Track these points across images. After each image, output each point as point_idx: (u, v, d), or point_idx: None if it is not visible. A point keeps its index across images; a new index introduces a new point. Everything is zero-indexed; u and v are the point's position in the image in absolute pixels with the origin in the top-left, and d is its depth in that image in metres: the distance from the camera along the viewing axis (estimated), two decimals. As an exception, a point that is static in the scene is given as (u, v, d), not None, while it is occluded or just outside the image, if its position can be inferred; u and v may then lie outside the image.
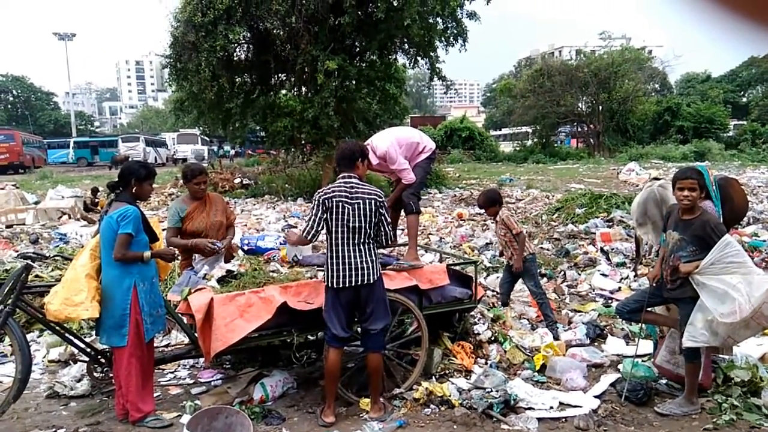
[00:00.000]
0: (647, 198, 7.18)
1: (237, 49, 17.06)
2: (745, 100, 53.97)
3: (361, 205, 3.75)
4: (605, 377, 4.43)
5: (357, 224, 3.74)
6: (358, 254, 3.74)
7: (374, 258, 3.82)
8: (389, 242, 4.06)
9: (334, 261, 3.75)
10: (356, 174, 3.90)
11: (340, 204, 3.74)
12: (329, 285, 3.78)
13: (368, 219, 3.76)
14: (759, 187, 16.85)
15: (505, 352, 4.90)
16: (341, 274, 3.72)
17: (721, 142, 38.19)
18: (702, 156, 32.75)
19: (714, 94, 48.23)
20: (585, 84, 37.72)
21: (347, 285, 3.72)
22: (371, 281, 3.76)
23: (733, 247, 3.60)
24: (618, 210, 11.13)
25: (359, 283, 3.72)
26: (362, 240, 3.76)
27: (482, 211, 6.09)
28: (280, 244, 4.91)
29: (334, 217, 3.74)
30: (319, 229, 3.80)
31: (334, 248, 3.77)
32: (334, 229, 3.76)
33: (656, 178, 8.44)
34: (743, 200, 7.69)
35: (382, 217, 3.84)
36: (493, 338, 5.07)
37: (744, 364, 4.28)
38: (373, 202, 3.79)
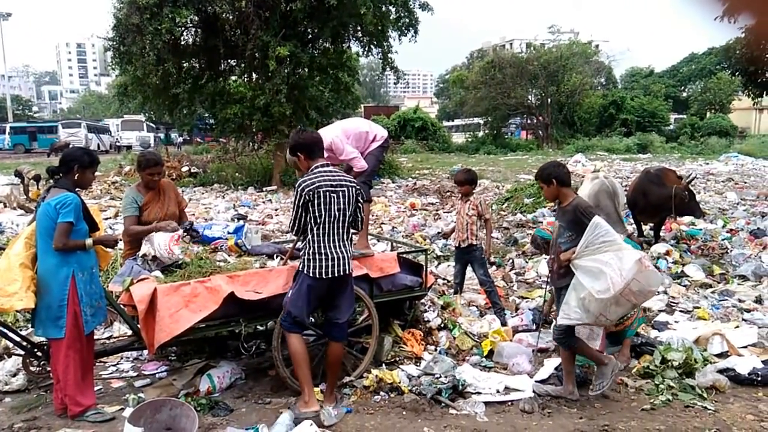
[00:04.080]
0: (599, 190, 7.39)
1: (184, 33, 16.60)
2: (685, 94, 56.16)
3: (345, 193, 3.72)
4: (549, 362, 4.54)
5: (340, 213, 3.70)
6: (339, 244, 3.72)
7: (350, 248, 3.82)
8: (360, 228, 4.06)
9: (318, 251, 3.67)
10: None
11: (327, 193, 3.66)
12: (309, 274, 3.68)
13: (350, 207, 3.75)
14: (697, 178, 17.61)
15: (455, 338, 4.97)
16: (323, 264, 3.66)
17: (663, 135, 39.72)
18: (644, 148, 34.01)
19: (656, 89, 50.04)
20: (534, 77, 38.48)
21: (328, 276, 3.68)
22: (348, 272, 3.77)
23: (602, 227, 3.68)
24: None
25: (338, 274, 3.70)
26: (344, 229, 3.75)
27: (436, 201, 6.18)
28: (228, 233, 4.80)
29: (319, 207, 3.64)
30: (307, 220, 3.69)
31: (317, 238, 3.67)
32: (318, 218, 3.66)
33: (595, 170, 8.72)
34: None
35: (359, 205, 3.85)
36: (442, 325, 5.14)
37: (680, 347, 4.49)
38: (353, 189, 3.78)
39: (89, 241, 3.69)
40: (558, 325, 3.95)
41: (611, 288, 3.53)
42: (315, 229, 3.68)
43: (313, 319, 4.20)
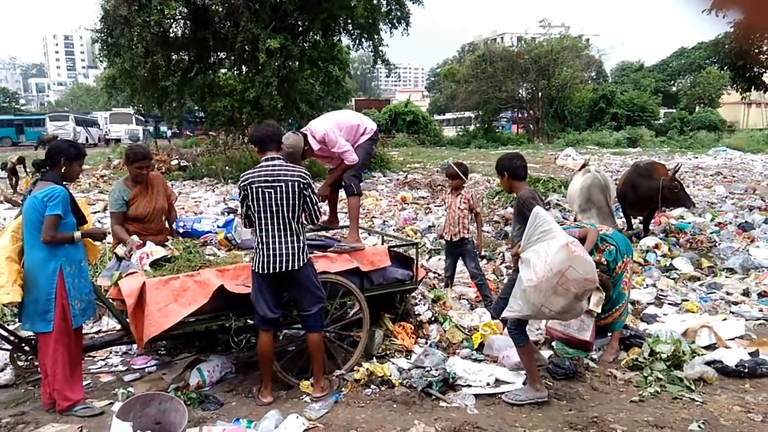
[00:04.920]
0: (591, 184, 7.41)
1: (173, 25, 16.45)
2: (674, 89, 56.38)
3: (283, 188, 3.67)
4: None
5: (278, 208, 3.67)
6: (281, 240, 3.68)
7: (299, 243, 3.73)
8: (316, 222, 4.01)
9: (258, 246, 3.72)
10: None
11: (260, 189, 3.67)
12: (253, 269, 3.75)
13: (291, 202, 3.69)
14: (686, 172, 17.74)
15: (445, 331, 4.97)
16: (264, 260, 3.68)
17: (652, 129, 39.91)
18: (634, 142, 34.16)
19: (646, 83, 50.24)
20: (525, 70, 38.49)
21: (269, 271, 3.67)
22: (294, 267, 3.70)
23: (541, 217, 3.67)
24: (555, 194, 11.47)
25: (281, 269, 3.67)
26: (285, 224, 3.69)
27: (427, 194, 6.18)
28: (218, 227, 4.78)
29: (254, 202, 3.68)
30: (249, 214, 3.76)
31: (258, 233, 3.72)
32: (256, 214, 3.70)
33: (584, 165, 8.76)
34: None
35: (307, 198, 3.76)
36: (433, 318, 5.14)
37: (668, 339, 4.52)
38: (295, 184, 3.70)
39: (77, 234, 3.67)
40: (510, 317, 3.93)
41: (534, 276, 3.51)
42: (256, 223, 3.72)
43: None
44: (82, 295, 3.72)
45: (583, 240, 4.30)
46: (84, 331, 4.14)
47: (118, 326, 4.35)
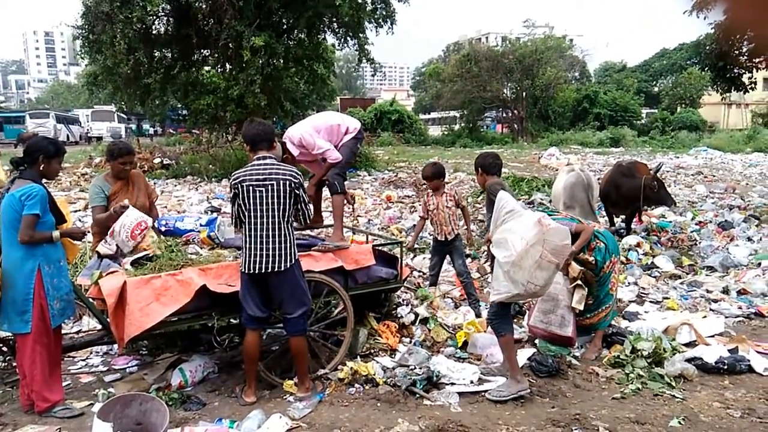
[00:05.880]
0: (575, 182, 7.47)
1: (156, 22, 16.29)
2: (656, 89, 56.96)
3: (274, 187, 3.66)
4: (522, 352, 4.57)
5: (268, 208, 3.65)
6: (269, 240, 3.66)
7: (287, 244, 3.71)
8: (308, 221, 3.99)
9: (246, 245, 3.70)
10: (273, 154, 3.84)
11: (250, 188, 3.65)
12: (240, 269, 3.74)
13: (281, 202, 3.67)
14: (667, 171, 17.94)
15: (430, 330, 4.98)
16: (250, 259, 3.66)
17: (635, 129, 40.31)
18: (617, 142, 34.48)
19: (629, 84, 50.74)
20: (510, 70, 38.68)
21: (255, 271, 3.66)
22: (281, 269, 3.67)
23: (503, 199, 3.82)
24: (539, 193, 11.54)
25: (268, 270, 3.66)
26: (274, 224, 3.67)
27: (412, 193, 6.21)
28: (201, 225, 4.73)
29: (245, 201, 3.67)
30: (239, 214, 3.74)
31: (246, 232, 3.71)
32: (246, 213, 3.69)
33: (569, 163, 8.84)
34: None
35: (299, 197, 3.75)
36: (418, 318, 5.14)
37: (649, 337, 4.57)
38: (287, 183, 3.68)
39: (56, 234, 3.61)
40: (490, 305, 4.01)
41: (513, 251, 3.59)
42: (245, 223, 3.71)
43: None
44: (62, 295, 3.66)
45: (576, 235, 4.34)
46: (64, 331, 4.09)
47: (99, 326, 4.30)
